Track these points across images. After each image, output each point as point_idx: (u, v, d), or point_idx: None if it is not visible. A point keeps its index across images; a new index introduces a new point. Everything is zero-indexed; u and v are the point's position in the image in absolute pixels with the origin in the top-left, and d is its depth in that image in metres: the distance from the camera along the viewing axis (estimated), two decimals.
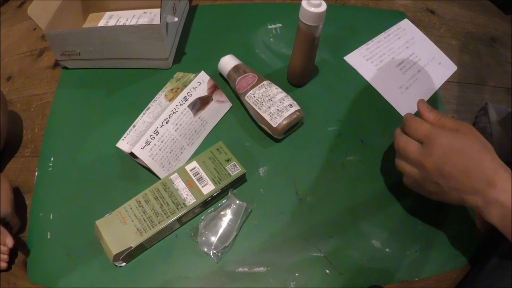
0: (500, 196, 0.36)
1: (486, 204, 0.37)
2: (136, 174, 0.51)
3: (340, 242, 0.46)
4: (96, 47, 0.58)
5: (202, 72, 0.54)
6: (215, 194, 0.47)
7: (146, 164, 0.48)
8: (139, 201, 0.46)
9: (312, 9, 0.46)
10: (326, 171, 0.52)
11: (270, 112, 0.51)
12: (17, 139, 0.57)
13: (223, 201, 0.48)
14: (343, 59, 0.63)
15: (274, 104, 0.51)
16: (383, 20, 0.69)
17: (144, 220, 0.44)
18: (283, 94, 0.52)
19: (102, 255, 0.45)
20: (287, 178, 0.51)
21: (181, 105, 0.51)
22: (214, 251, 0.45)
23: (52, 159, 0.54)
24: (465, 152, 0.38)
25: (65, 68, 0.63)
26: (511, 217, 0.35)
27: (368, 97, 0.59)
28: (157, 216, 0.45)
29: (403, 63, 0.63)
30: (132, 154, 0.48)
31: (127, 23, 0.67)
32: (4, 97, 0.54)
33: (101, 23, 0.68)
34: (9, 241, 0.45)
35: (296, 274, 0.45)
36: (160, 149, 0.49)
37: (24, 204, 0.51)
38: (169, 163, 0.50)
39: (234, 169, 0.48)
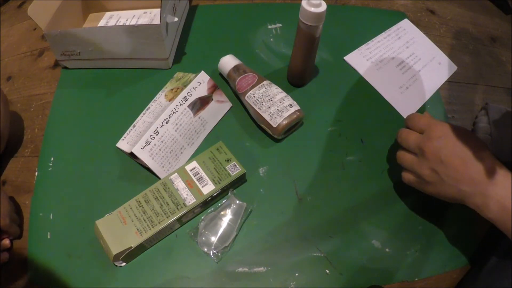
0: (501, 192, 0.36)
1: (485, 199, 0.37)
2: (136, 174, 0.51)
3: (340, 242, 0.46)
4: (96, 47, 0.58)
5: (202, 72, 0.54)
6: (215, 194, 0.47)
7: (146, 164, 0.48)
8: (139, 201, 0.46)
9: (312, 9, 0.46)
10: (326, 171, 0.52)
11: (270, 112, 0.51)
12: (17, 139, 0.57)
13: (223, 201, 0.48)
14: (343, 59, 0.63)
15: (274, 104, 0.51)
16: (383, 20, 0.69)
17: (144, 220, 0.44)
18: (283, 94, 0.52)
19: (102, 255, 0.45)
20: (287, 178, 0.51)
21: (181, 105, 0.51)
22: (214, 251, 0.45)
23: (52, 159, 0.53)
24: (463, 141, 0.39)
25: (65, 68, 0.63)
26: (511, 214, 0.35)
27: (368, 97, 0.59)
28: (157, 216, 0.45)
29: (403, 63, 0.63)
30: (132, 154, 0.48)
31: (127, 23, 0.67)
32: (5, 98, 0.54)
33: (101, 23, 0.68)
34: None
35: (296, 274, 0.45)
36: (160, 149, 0.49)
37: (20, 211, 0.50)
38: (169, 163, 0.50)
39: (234, 169, 0.48)
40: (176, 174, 0.47)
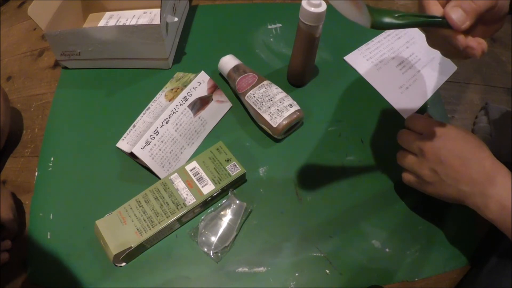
0: (500, 192, 0.36)
1: (485, 199, 0.37)
2: (136, 174, 0.51)
3: (340, 242, 0.46)
4: (96, 47, 0.58)
5: (202, 72, 0.54)
6: (215, 194, 0.47)
7: (146, 164, 0.48)
8: (139, 201, 0.46)
9: (312, 9, 0.46)
10: (326, 171, 0.52)
11: (270, 112, 0.51)
12: (17, 139, 0.57)
13: (223, 201, 0.48)
14: (343, 59, 0.63)
15: (274, 104, 0.51)
16: None
17: (144, 220, 0.44)
18: (283, 94, 0.52)
19: (102, 255, 0.45)
20: (287, 178, 0.51)
21: (181, 105, 0.51)
22: (214, 251, 0.45)
23: (52, 159, 0.53)
24: (463, 141, 0.40)
25: (65, 68, 0.63)
26: (511, 214, 0.35)
27: (368, 97, 0.59)
28: (157, 216, 0.45)
29: (403, 63, 0.63)
30: (132, 154, 0.48)
31: (127, 23, 0.67)
32: (5, 94, 0.54)
33: (101, 23, 0.68)
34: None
35: (296, 274, 0.45)
36: (160, 149, 0.49)
37: (22, 209, 0.50)
38: (169, 163, 0.50)
39: (234, 169, 0.48)
40: (176, 174, 0.47)
